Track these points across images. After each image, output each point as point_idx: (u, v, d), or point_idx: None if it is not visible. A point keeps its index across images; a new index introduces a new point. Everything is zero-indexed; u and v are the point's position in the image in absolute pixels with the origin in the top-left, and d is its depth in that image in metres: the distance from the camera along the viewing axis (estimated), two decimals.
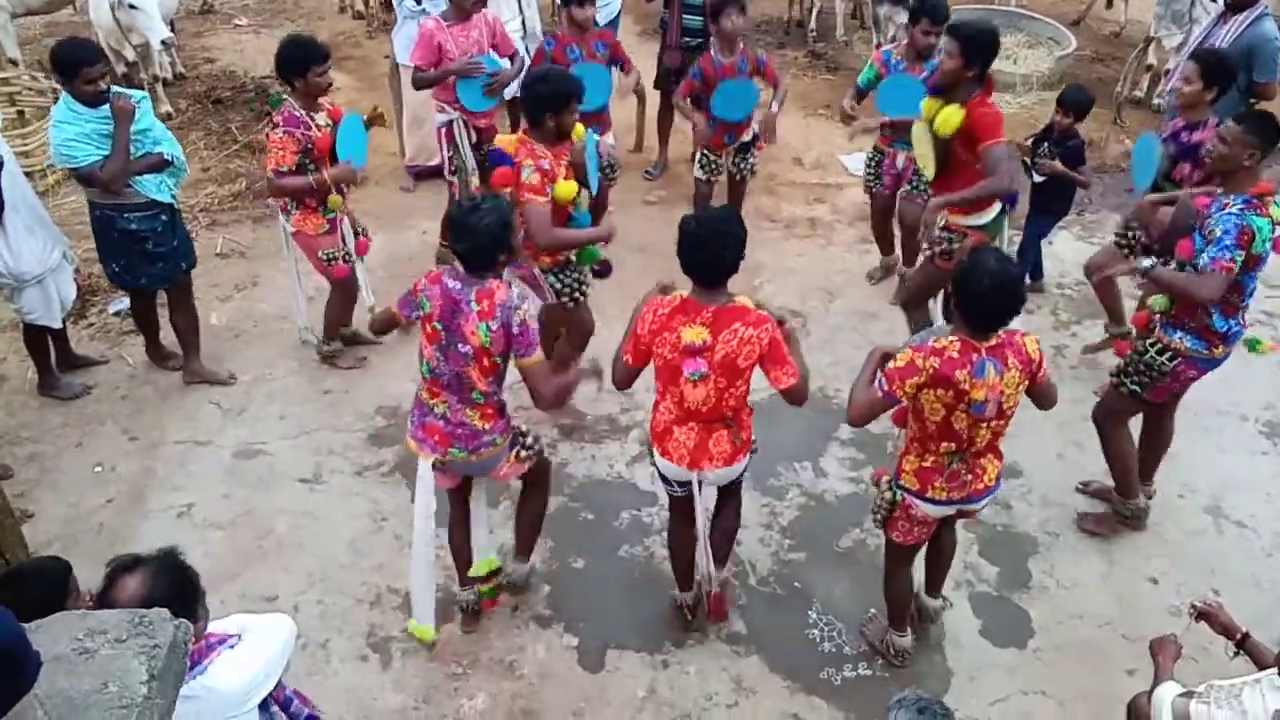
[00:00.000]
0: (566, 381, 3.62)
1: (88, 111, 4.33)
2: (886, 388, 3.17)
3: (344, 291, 5.11)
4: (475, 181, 5.44)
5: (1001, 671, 3.86)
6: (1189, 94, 4.51)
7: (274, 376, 5.22)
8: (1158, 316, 3.91)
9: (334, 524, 4.38)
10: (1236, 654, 3.07)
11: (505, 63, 5.46)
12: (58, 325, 4.85)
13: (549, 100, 4.06)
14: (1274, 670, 2.70)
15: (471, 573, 3.80)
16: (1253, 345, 4.26)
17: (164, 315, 5.10)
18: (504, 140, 4.26)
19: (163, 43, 6.83)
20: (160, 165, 4.52)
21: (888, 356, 3.25)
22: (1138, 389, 4.01)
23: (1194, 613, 3.13)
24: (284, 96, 4.73)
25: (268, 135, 4.81)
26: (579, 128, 4.23)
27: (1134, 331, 4.18)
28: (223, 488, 4.55)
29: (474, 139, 5.48)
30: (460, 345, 3.31)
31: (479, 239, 3.26)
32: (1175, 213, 3.94)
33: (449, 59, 5.23)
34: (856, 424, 3.35)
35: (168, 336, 5.18)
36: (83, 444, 4.77)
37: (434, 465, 3.50)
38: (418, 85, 5.36)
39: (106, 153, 4.35)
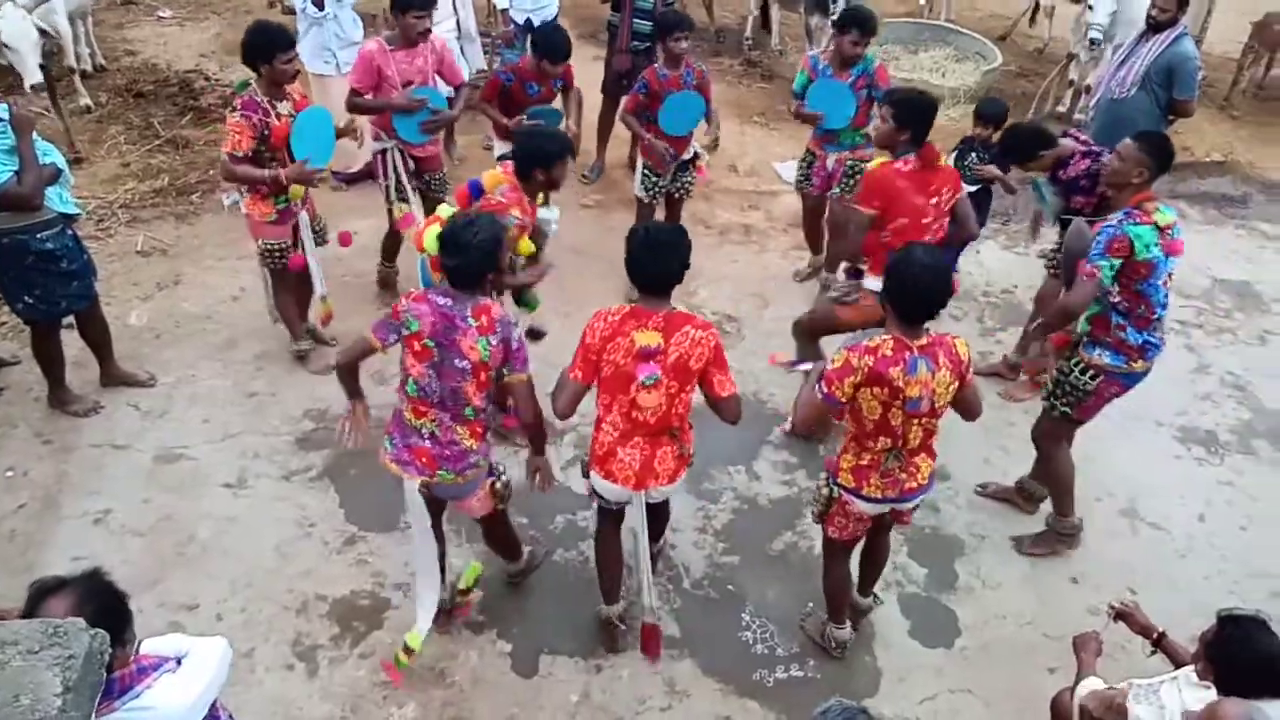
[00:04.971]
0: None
1: None
2: (826, 390, 3.24)
3: (289, 284, 4.94)
4: (408, 209, 5.21)
5: (930, 671, 3.93)
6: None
7: (197, 378, 5.08)
8: (1082, 337, 4.01)
9: (259, 530, 4.28)
10: (1154, 652, 3.17)
11: (449, 90, 5.33)
12: None
13: (540, 157, 4.05)
14: (1190, 668, 2.79)
15: (461, 585, 3.84)
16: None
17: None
18: (489, 176, 4.17)
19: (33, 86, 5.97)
20: (56, 176, 4.30)
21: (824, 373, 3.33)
22: (1068, 410, 4.11)
23: (1112, 613, 3.23)
24: (249, 82, 4.59)
25: (225, 118, 4.66)
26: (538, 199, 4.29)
27: (1052, 353, 4.29)
28: (142, 493, 4.41)
29: (411, 167, 5.35)
30: (457, 361, 3.26)
31: (470, 254, 3.24)
32: (1067, 238, 4.06)
33: (390, 86, 5.06)
34: (802, 430, 3.39)
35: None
36: None
37: (420, 487, 3.44)
38: (351, 109, 5.11)
39: (16, 168, 4.06)
